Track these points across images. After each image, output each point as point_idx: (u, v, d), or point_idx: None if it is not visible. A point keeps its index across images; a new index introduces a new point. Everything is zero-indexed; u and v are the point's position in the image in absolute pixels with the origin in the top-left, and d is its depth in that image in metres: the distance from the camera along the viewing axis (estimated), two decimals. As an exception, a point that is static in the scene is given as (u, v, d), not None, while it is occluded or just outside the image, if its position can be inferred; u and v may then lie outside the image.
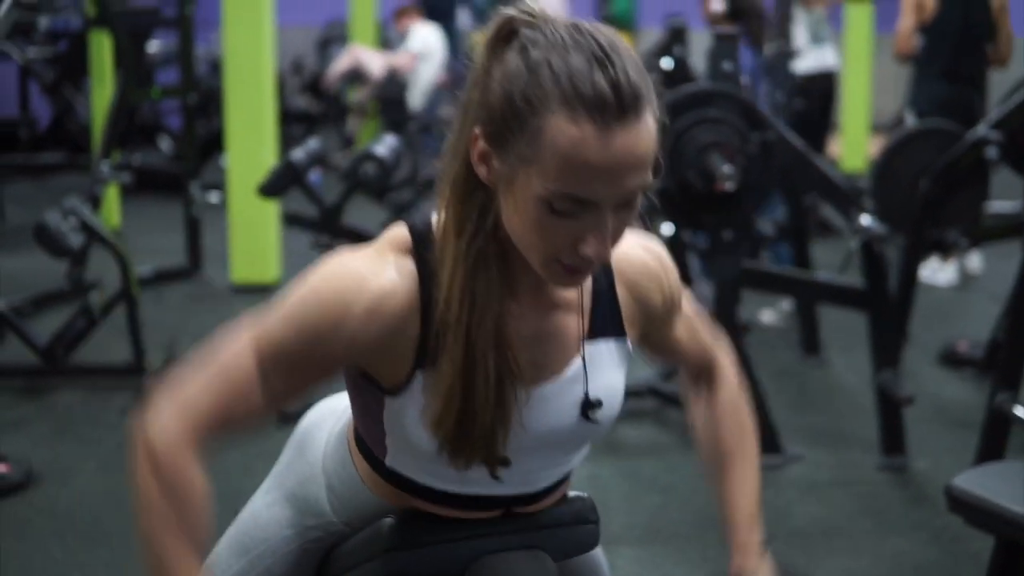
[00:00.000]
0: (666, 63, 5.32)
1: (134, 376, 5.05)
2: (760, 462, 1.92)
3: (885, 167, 5.18)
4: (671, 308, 1.77)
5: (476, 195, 1.52)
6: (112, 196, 8.32)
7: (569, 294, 1.65)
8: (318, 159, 5.18)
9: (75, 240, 5.00)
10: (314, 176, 8.98)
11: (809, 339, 5.70)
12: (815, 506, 4.06)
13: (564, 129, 1.41)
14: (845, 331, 5.82)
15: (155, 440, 1.53)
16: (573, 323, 1.65)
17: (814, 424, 4.89)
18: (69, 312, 5.27)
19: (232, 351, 1.57)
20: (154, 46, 10.29)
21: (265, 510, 1.86)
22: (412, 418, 1.59)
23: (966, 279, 7.35)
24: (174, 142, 10.54)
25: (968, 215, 5.04)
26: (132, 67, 6.05)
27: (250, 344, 1.56)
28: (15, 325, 5.17)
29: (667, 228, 4.91)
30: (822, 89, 8.55)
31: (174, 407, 1.54)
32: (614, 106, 1.41)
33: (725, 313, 4.39)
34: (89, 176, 6.11)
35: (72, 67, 9.30)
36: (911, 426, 4.62)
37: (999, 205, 5.77)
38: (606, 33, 1.47)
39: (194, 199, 7.13)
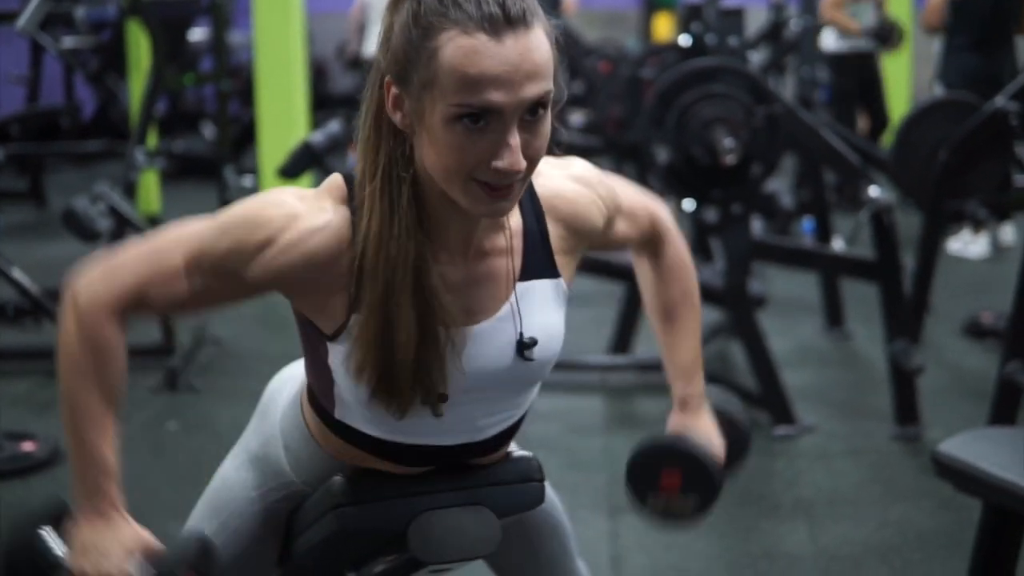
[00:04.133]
0: (684, 40, 5.36)
1: (163, 357, 5.15)
2: (703, 324, 2.04)
3: (904, 139, 5.19)
4: (612, 217, 1.84)
5: (387, 142, 1.60)
6: (152, 182, 8.44)
7: (499, 241, 1.70)
8: (338, 141, 5.25)
9: (103, 225, 5.11)
10: (351, 159, 9.08)
11: (832, 311, 5.72)
12: (824, 475, 4.10)
13: (457, 42, 1.49)
14: (869, 303, 5.83)
15: (81, 299, 1.64)
16: (504, 266, 1.71)
17: (831, 395, 4.93)
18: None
19: (167, 239, 1.66)
20: (197, 34, 10.42)
21: (233, 473, 1.94)
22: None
23: (999, 252, 7.33)
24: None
25: (989, 187, 5.04)
26: (165, 55, 6.14)
27: (184, 238, 1.65)
28: (46, 308, 5.29)
29: (688, 204, 4.94)
30: (859, 66, 8.54)
31: (103, 274, 1.65)
32: (502, 18, 1.49)
33: (736, 286, 4.44)
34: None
35: (115, 56, 9.43)
36: (929, 397, 4.65)
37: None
38: None
39: (228, 183, 7.23)
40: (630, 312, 5.15)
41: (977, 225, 7.11)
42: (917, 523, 3.73)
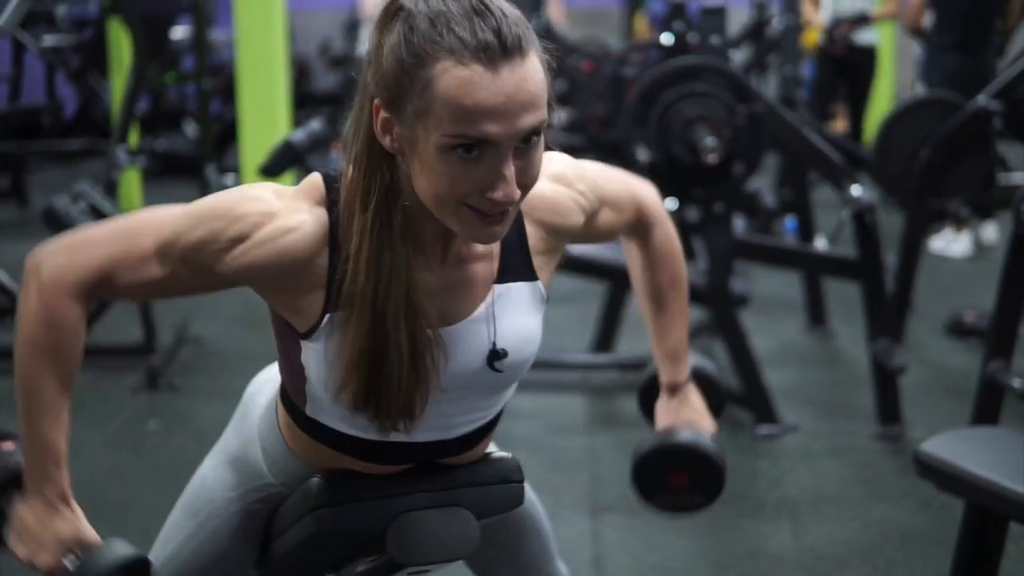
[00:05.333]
0: (666, 38, 5.34)
1: (144, 356, 5.13)
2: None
3: (885, 138, 5.19)
4: (595, 210, 1.83)
5: (380, 169, 1.58)
6: (133, 180, 8.41)
7: (478, 247, 1.69)
8: (319, 140, 5.24)
9: (83, 223, 5.08)
10: (334, 157, 9.07)
11: (814, 310, 5.72)
12: (807, 475, 4.10)
13: (453, 73, 1.47)
14: (852, 302, 5.83)
15: (44, 273, 1.61)
16: (482, 270, 1.70)
17: (814, 395, 4.93)
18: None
19: (140, 221, 1.64)
20: (179, 32, 10.38)
21: (211, 473, 1.93)
22: (326, 361, 1.65)
23: (981, 250, 7.34)
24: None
25: (972, 185, 5.04)
26: (146, 53, 6.11)
27: (158, 223, 1.63)
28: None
29: (670, 203, 4.93)
30: (839, 61, 8.56)
31: (69, 248, 1.63)
32: (498, 47, 1.47)
33: (718, 285, 4.43)
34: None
35: (96, 54, 9.39)
36: (912, 396, 4.65)
37: (1018, 177, 5.75)
38: None
39: (210, 182, 7.20)
40: (612, 311, 5.16)
41: (959, 224, 7.12)
42: (900, 522, 3.73)
